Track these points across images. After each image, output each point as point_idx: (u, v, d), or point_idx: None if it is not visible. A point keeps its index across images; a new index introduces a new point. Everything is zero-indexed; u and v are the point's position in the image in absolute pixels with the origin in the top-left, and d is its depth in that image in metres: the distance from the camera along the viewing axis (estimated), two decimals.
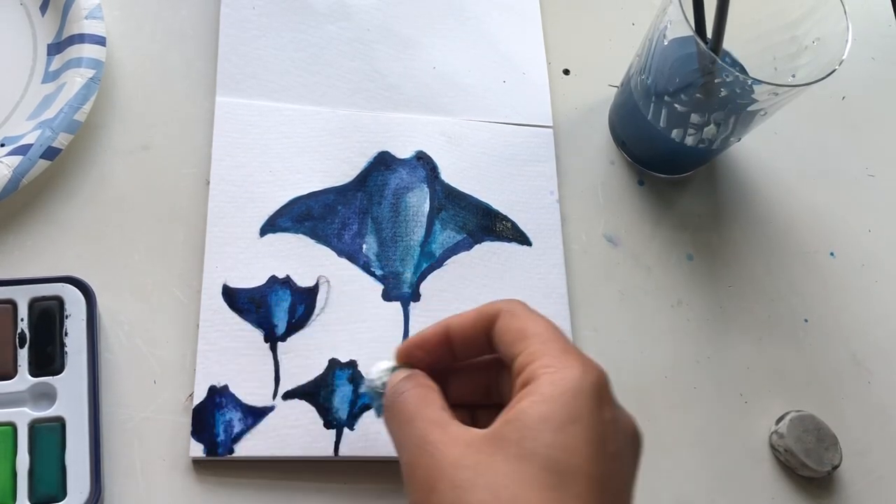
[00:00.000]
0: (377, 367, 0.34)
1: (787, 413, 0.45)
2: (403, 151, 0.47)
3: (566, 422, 0.28)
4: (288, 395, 0.40)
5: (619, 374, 0.45)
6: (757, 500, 0.43)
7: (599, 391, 0.29)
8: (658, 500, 0.42)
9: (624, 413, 0.31)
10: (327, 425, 0.40)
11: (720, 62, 0.40)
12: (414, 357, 0.34)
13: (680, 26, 0.40)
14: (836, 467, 0.43)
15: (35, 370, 0.37)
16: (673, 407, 0.45)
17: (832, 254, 0.50)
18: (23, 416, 0.36)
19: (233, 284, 0.41)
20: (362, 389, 0.36)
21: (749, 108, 0.42)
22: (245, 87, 0.46)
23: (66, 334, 0.38)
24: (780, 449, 0.44)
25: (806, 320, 0.48)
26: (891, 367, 0.48)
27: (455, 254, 0.45)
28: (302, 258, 0.43)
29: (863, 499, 0.45)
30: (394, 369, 0.33)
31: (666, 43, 0.42)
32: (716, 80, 0.42)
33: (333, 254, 0.43)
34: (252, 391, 0.40)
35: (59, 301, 0.38)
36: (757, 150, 0.52)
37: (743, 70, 0.46)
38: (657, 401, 0.44)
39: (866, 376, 0.47)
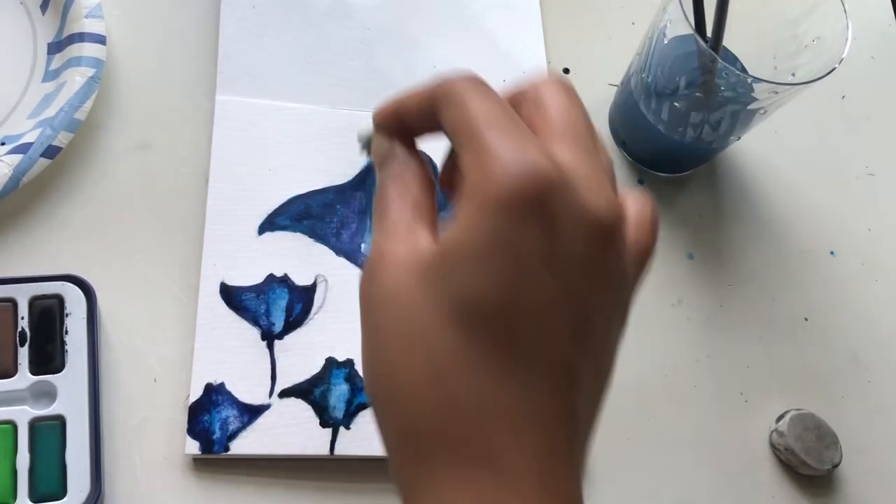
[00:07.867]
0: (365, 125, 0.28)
1: (787, 411, 0.45)
2: None
3: (479, 251, 0.21)
4: (284, 394, 0.40)
5: (619, 373, 0.45)
6: (757, 499, 0.43)
7: (518, 200, 0.21)
8: (658, 499, 0.42)
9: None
10: (323, 424, 0.40)
11: (720, 61, 0.40)
12: (394, 126, 0.27)
13: (680, 25, 0.40)
14: (836, 466, 0.43)
15: (35, 368, 0.37)
16: (673, 406, 0.44)
17: (832, 253, 0.50)
18: (23, 415, 0.36)
19: (231, 282, 0.41)
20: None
21: (749, 107, 0.42)
22: (245, 86, 0.46)
23: (66, 333, 0.38)
24: (781, 447, 0.44)
25: (806, 319, 0.48)
26: (891, 365, 0.48)
27: None
28: (300, 257, 0.43)
29: (863, 497, 0.44)
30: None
31: (666, 41, 0.42)
32: (716, 79, 0.42)
33: (332, 253, 0.43)
34: (248, 389, 0.40)
35: (59, 299, 0.38)
36: (757, 148, 0.52)
37: (743, 68, 0.45)
38: (657, 400, 0.44)
39: (866, 375, 0.47)
